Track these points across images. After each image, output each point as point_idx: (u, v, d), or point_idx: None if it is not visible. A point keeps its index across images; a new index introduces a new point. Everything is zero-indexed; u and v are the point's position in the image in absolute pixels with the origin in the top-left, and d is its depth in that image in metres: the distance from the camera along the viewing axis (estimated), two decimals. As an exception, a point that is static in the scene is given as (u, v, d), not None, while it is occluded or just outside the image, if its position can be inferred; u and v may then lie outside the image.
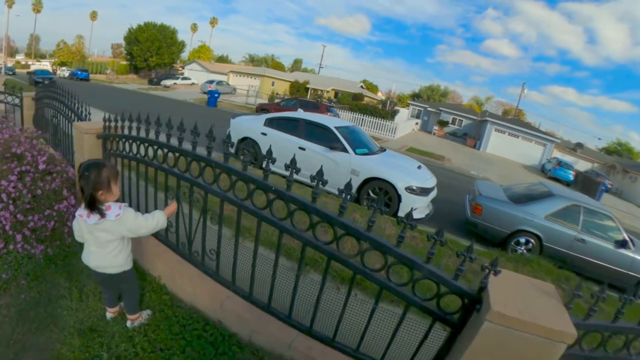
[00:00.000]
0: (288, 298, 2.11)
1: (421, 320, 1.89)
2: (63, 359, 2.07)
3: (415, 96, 61.22)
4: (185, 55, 60.39)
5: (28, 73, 34.11)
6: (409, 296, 1.66)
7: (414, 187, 6.11)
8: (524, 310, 1.32)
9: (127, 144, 2.81)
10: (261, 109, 20.16)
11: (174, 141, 2.40)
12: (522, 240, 6.12)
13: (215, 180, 2.17)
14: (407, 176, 6.29)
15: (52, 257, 2.94)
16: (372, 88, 58.04)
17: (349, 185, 1.68)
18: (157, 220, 2.16)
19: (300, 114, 8.39)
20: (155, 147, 2.53)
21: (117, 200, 2.06)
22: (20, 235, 2.94)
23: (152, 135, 2.52)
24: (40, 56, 66.09)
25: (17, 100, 6.36)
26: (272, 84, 43.08)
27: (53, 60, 56.50)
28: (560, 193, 6.46)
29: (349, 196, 1.69)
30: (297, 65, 78.50)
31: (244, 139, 7.83)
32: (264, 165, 1.93)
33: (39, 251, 2.94)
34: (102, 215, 1.95)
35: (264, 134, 7.57)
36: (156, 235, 2.87)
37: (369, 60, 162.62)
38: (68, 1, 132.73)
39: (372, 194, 6.37)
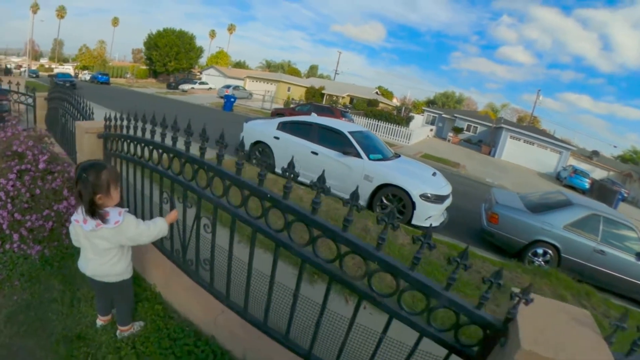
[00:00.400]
0: (286, 316, 1.86)
1: (434, 346, 1.67)
2: (48, 366, 1.92)
3: (430, 103, 60.46)
4: (203, 60, 61.26)
5: (49, 76, 35.11)
6: (423, 326, 1.41)
7: (429, 195, 5.84)
8: (559, 347, 1.09)
9: (124, 144, 2.64)
10: (276, 114, 20.18)
11: (168, 142, 2.20)
12: (540, 251, 5.78)
13: (209, 185, 1.95)
14: (422, 183, 6.03)
15: (48, 258, 2.80)
16: (387, 94, 57.72)
17: (355, 195, 1.44)
18: (159, 228, 1.98)
19: (313, 118, 8.25)
20: (150, 147, 2.34)
21: (117, 206, 1.88)
22: (17, 234, 2.80)
23: (147, 135, 2.33)
24: (64, 60, 67.52)
25: (30, 100, 6.39)
26: (288, 90, 43.19)
27: (76, 64, 57.87)
28: (579, 202, 6.12)
29: (355, 206, 1.44)
30: (313, 71, 78.71)
31: (256, 143, 7.71)
32: (260, 171, 1.70)
33: (35, 252, 2.79)
34: (102, 221, 1.77)
35: (277, 138, 7.42)
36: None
37: (384, 67, 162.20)
38: (91, 8, 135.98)
39: (385, 201, 6.11)
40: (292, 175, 1.56)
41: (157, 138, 2.27)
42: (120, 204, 1.94)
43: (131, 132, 2.54)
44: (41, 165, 3.09)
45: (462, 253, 1.28)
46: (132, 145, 2.55)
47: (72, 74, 41.04)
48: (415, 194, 5.82)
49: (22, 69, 44.51)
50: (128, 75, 55.20)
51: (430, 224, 1.43)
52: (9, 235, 2.81)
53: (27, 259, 2.76)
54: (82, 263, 1.98)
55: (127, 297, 2.16)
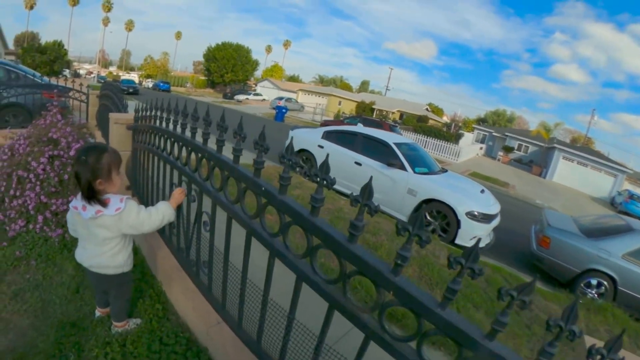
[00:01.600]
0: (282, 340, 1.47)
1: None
2: (34, 349, 1.78)
3: (481, 121, 57.59)
4: (258, 73, 63.44)
5: (114, 81, 38.45)
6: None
7: (476, 213, 5.30)
8: None
9: (147, 135, 2.52)
10: (325, 125, 20.34)
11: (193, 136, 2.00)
12: (594, 282, 5.02)
13: (209, 177, 1.71)
14: (469, 200, 5.51)
15: (67, 242, 2.74)
16: (438, 111, 56.14)
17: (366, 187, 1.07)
18: (162, 213, 1.79)
19: (359, 128, 8.04)
20: (160, 134, 2.19)
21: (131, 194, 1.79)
22: (42, 217, 2.79)
23: (164, 125, 2.18)
24: (130, 69, 72.21)
25: (84, 97, 6.82)
26: (339, 103, 43.40)
27: (140, 73, 62.35)
28: None
29: (366, 207, 1.07)
30: (364, 86, 78.79)
31: (300, 151, 7.60)
32: (256, 158, 1.41)
33: (55, 235, 2.76)
34: (102, 207, 1.61)
35: (321, 147, 7.23)
36: (161, 233, 2.51)
37: (435, 84, 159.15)
38: (157, 23, 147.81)
39: (429, 217, 5.65)
40: (324, 181, 1.12)
41: (170, 127, 2.09)
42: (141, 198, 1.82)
43: (152, 122, 2.41)
44: (72, 153, 3.15)
45: (524, 287, 0.81)
46: (153, 135, 2.41)
47: (137, 81, 43.86)
48: (460, 211, 5.33)
49: (92, 75, 49.25)
50: (188, 85, 58.63)
51: (478, 239, 1.03)
52: (34, 216, 2.83)
53: (47, 241, 2.74)
54: (80, 253, 1.82)
55: (124, 292, 1.96)
